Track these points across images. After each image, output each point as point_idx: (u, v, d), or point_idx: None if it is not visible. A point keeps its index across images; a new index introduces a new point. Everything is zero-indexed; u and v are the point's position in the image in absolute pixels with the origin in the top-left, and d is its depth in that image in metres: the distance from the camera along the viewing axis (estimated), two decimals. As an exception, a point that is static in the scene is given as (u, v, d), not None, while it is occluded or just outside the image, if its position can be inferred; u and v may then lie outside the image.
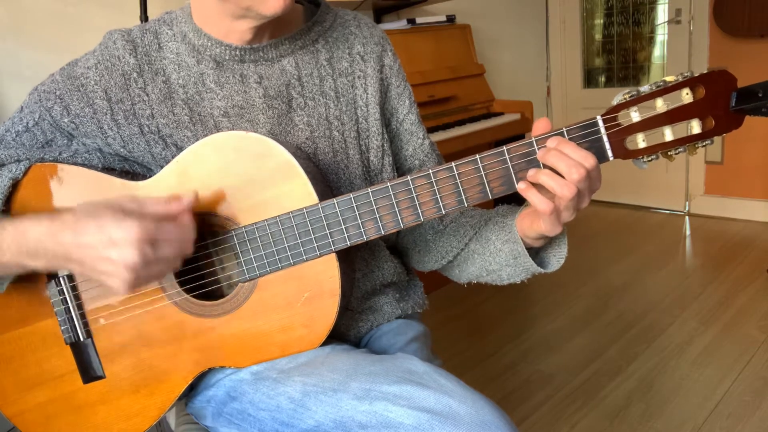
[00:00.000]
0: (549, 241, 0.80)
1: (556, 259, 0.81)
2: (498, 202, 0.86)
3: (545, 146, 0.68)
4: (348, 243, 0.73)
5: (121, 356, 0.80)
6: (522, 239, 0.78)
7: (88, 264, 0.68)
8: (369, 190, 0.72)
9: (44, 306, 0.80)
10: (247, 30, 0.78)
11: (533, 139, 0.69)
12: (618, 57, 3.65)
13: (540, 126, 0.70)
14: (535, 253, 0.82)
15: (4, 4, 1.75)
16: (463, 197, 0.71)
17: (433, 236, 0.91)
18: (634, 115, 0.68)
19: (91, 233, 0.66)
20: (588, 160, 0.67)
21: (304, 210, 0.73)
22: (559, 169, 0.66)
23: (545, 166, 0.69)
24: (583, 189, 0.68)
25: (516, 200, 0.76)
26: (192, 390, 0.87)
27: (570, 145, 0.67)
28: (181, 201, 0.71)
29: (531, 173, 0.68)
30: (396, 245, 0.97)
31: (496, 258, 0.83)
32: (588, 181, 0.67)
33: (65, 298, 0.79)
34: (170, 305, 0.78)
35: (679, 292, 2.51)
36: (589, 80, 3.79)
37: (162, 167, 0.78)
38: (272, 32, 0.82)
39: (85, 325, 0.80)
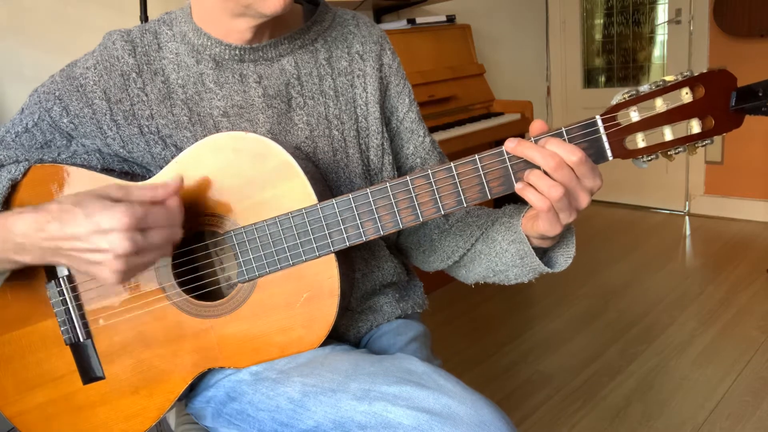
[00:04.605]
0: (557, 241, 0.80)
1: (564, 258, 0.80)
2: (503, 201, 0.85)
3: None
4: (347, 243, 0.73)
5: (120, 357, 0.80)
6: (528, 239, 0.78)
7: (76, 255, 0.66)
8: (368, 190, 0.72)
9: (44, 306, 0.80)
10: (247, 29, 0.78)
11: (532, 138, 0.69)
12: (618, 57, 3.65)
13: (536, 127, 0.69)
14: (543, 252, 0.82)
15: (4, 4, 1.75)
16: (462, 197, 0.71)
17: (439, 236, 0.91)
18: (634, 115, 0.68)
19: (79, 223, 0.64)
20: (569, 155, 0.65)
21: (303, 210, 0.73)
22: (541, 165, 0.66)
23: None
24: (571, 187, 0.66)
25: (519, 199, 0.75)
26: (192, 390, 0.87)
27: (554, 141, 0.66)
28: (167, 186, 0.70)
29: (526, 173, 0.68)
30: (398, 245, 0.97)
31: (502, 258, 0.82)
32: (575, 178, 0.66)
33: (65, 298, 0.79)
34: (170, 306, 0.78)
35: (679, 292, 2.51)
36: (589, 80, 3.79)
37: (161, 168, 0.78)
38: (272, 32, 0.82)
39: (85, 325, 0.79)
